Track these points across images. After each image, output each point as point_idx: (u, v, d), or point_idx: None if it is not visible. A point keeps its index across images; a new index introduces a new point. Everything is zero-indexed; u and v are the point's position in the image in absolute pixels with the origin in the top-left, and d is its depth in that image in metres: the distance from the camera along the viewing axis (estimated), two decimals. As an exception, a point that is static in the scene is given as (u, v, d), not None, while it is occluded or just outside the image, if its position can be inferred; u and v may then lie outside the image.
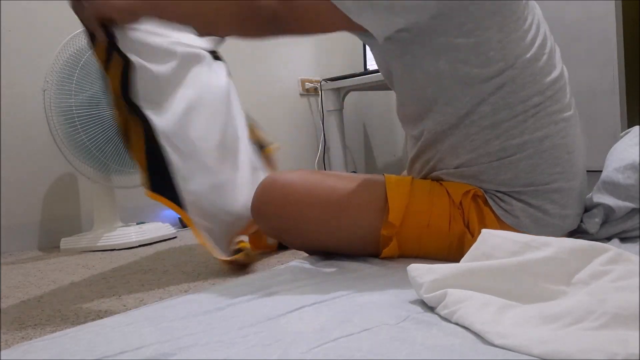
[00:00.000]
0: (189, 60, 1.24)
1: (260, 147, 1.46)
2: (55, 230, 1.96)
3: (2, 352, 0.64)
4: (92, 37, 1.07)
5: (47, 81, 1.70)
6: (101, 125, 1.67)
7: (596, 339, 0.52)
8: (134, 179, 1.79)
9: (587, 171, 1.05)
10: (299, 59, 2.87)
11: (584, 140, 1.04)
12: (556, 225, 0.98)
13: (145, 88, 1.11)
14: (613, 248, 0.69)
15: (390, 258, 1.02)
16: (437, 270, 0.72)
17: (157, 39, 1.16)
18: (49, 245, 1.93)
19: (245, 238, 1.30)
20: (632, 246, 0.98)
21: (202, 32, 1.11)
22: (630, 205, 1.03)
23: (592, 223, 1.03)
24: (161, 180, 1.12)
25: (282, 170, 1.10)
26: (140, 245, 1.75)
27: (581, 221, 1.05)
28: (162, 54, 1.17)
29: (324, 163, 2.87)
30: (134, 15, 1.06)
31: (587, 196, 1.08)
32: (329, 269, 0.98)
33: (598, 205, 1.04)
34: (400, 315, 0.67)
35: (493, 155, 0.96)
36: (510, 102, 0.93)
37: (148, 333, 0.66)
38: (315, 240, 1.07)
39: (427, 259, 0.98)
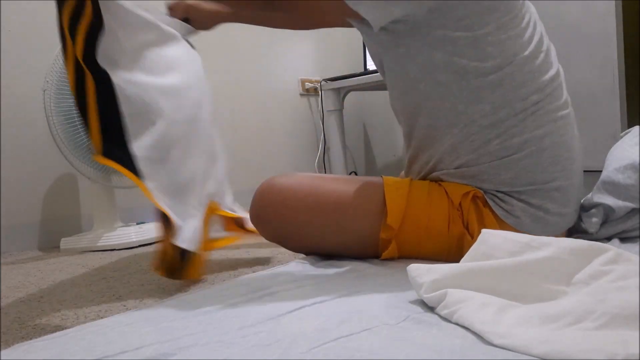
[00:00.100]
0: (167, 38, 1.18)
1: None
2: (55, 230, 1.96)
3: (2, 352, 0.64)
4: None
5: (47, 81, 1.69)
6: (101, 125, 1.67)
7: (596, 339, 0.52)
8: (134, 179, 1.79)
9: (587, 171, 1.05)
10: (299, 58, 2.87)
11: (580, 139, 1.04)
12: (556, 223, 0.98)
13: (111, 51, 1.04)
14: (613, 248, 0.69)
15: (390, 258, 1.02)
16: (437, 270, 0.72)
17: (140, 11, 1.12)
18: (49, 245, 1.93)
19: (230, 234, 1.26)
20: (632, 246, 0.98)
21: None
22: (630, 205, 1.03)
23: (592, 223, 1.03)
24: (115, 147, 1.03)
25: (280, 175, 1.08)
26: (140, 245, 1.75)
27: (581, 221, 1.05)
28: (141, 23, 1.11)
29: (324, 163, 2.87)
30: None
31: (587, 196, 1.08)
32: (328, 269, 0.98)
33: (598, 205, 1.04)
34: (400, 315, 0.67)
35: (494, 155, 0.96)
36: (510, 100, 0.93)
37: (148, 333, 0.66)
38: (314, 244, 1.07)
39: (427, 261, 0.98)
